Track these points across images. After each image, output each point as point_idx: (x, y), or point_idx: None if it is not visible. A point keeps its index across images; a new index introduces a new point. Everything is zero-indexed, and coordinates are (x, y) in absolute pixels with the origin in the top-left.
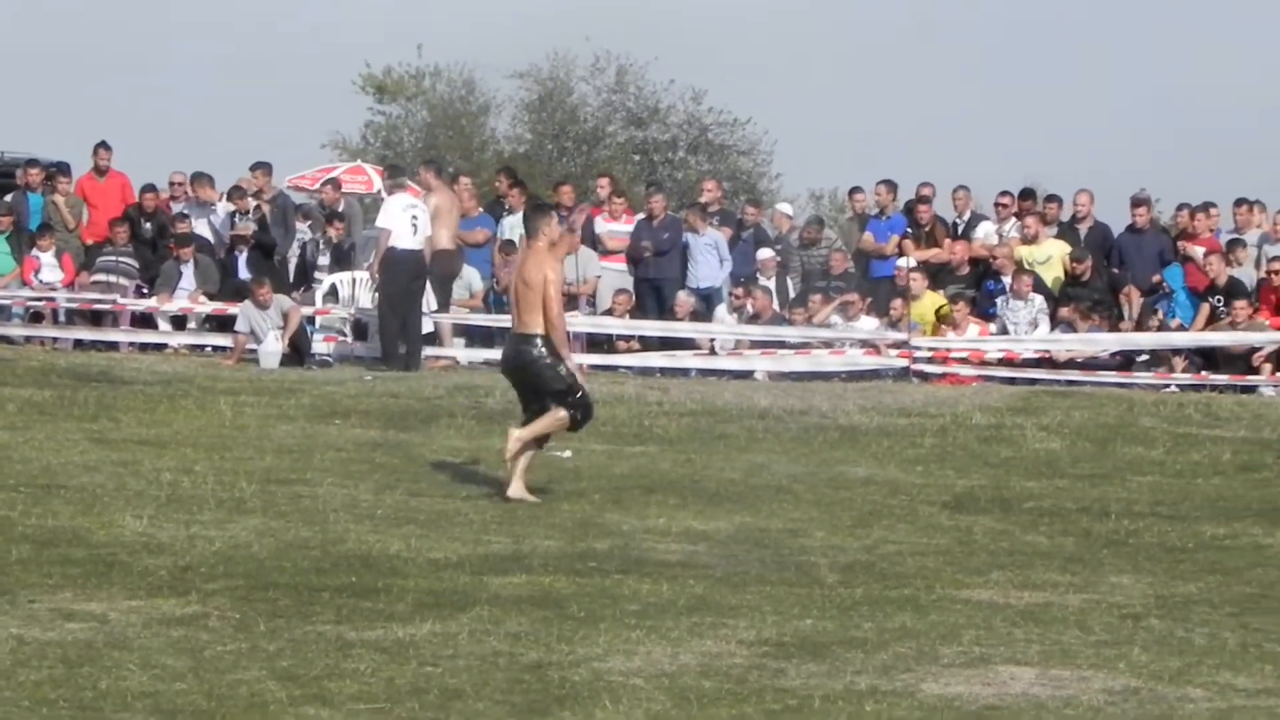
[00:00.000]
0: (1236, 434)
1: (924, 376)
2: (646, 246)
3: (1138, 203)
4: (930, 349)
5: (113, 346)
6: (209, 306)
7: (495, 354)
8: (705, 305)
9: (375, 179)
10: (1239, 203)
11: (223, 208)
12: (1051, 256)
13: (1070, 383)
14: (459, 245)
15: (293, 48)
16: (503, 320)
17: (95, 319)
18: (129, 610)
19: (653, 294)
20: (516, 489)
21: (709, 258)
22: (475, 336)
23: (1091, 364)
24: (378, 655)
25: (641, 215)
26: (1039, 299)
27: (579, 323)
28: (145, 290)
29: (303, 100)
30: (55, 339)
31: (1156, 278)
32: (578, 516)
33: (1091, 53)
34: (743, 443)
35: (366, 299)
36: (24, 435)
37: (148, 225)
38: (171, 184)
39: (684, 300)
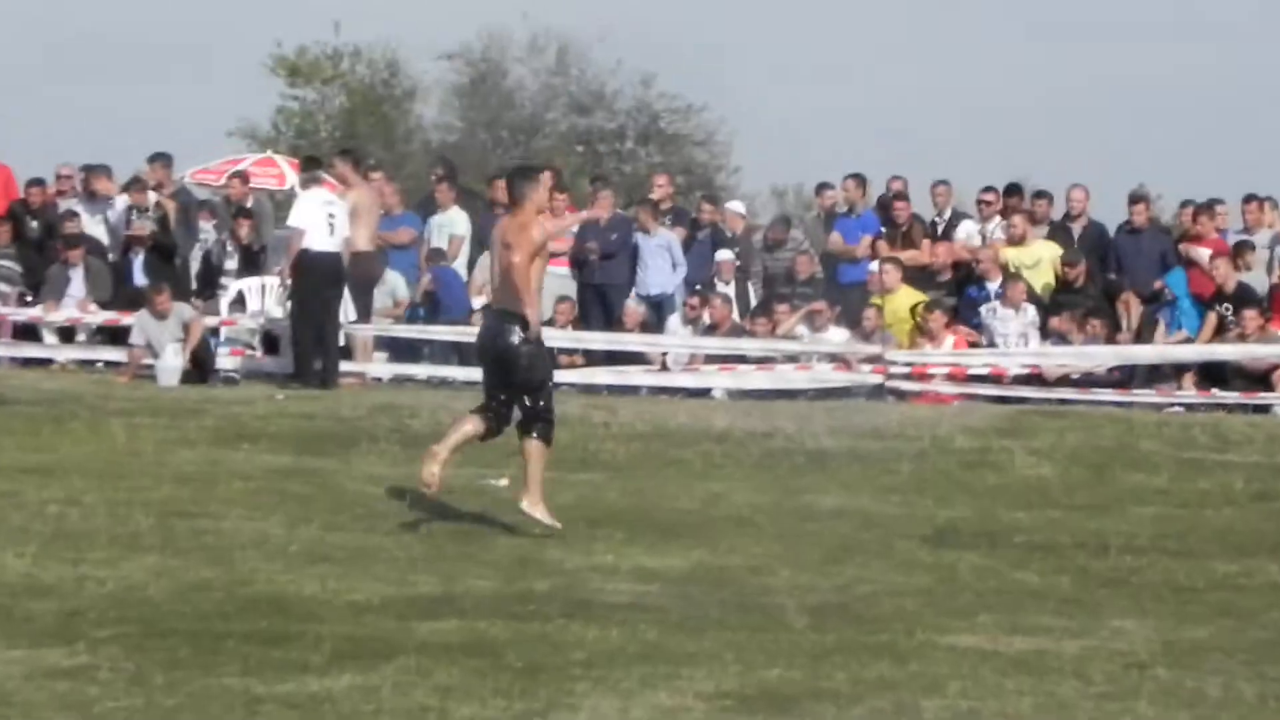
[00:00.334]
0: (1249, 459)
1: (900, 395)
2: (592, 249)
3: (1136, 199)
4: (907, 363)
5: None
6: (100, 316)
7: (422, 370)
8: (656, 314)
9: (288, 172)
10: (1248, 199)
11: (118, 204)
12: (1041, 260)
13: (1063, 401)
14: (380, 247)
15: (196, 25)
16: (431, 332)
17: None
18: (9, 661)
19: (598, 302)
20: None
21: (661, 261)
22: (399, 350)
23: (1087, 380)
24: (289, 711)
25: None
26: (1031, 309)
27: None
28: (29, 298)
29: (207, 84)
30: None
31: (1158, 283)
32: (515, 553)
33: (1085, 33)
34: (699, 469)
35: (277, 308)
36: None
37: (34, 224)
38: (59, 177)
39: (633, 309)
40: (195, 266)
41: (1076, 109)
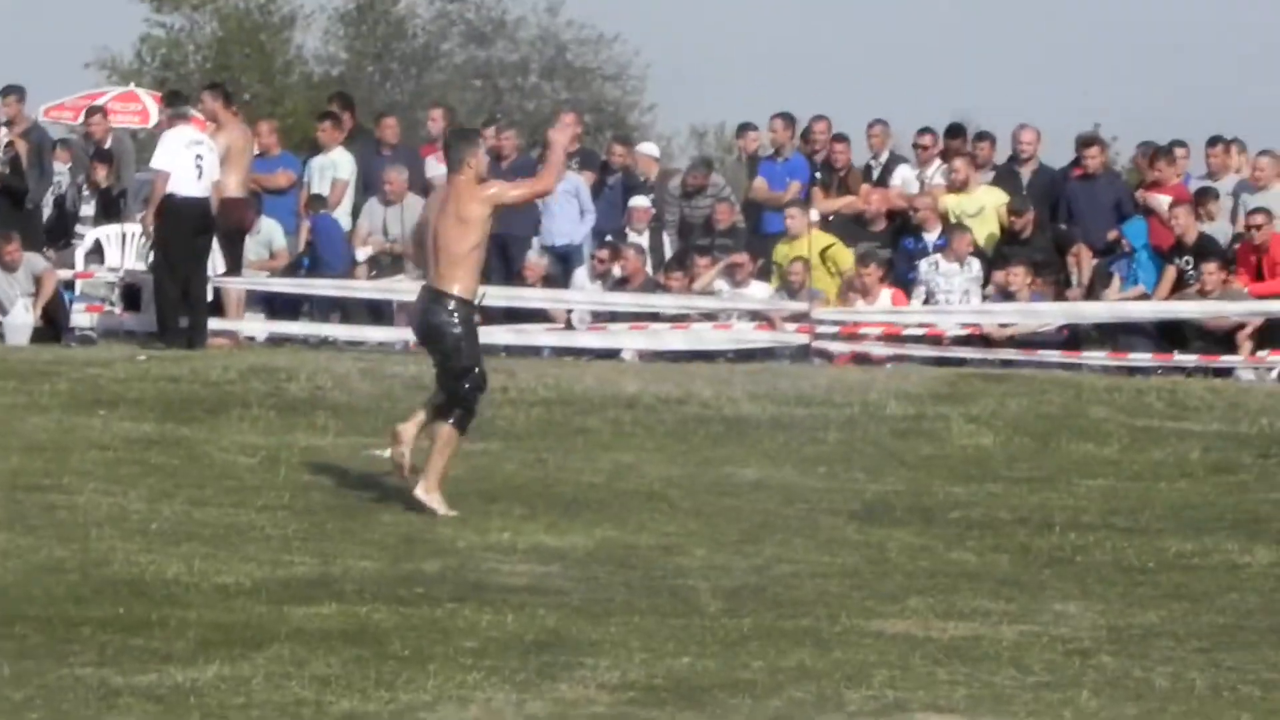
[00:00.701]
0: (1208, 427)
1: (828, 356)
2: None
3: (1088, 142)
4: (835, 322)
5: None
6: None
7: (299, 328)
8: (562, 268)
9: (152, 108)
10: (1213, 142)
11: None
12: (984, 208)
13: (1006, 364)
14: (254, 192)
15: None
16: (310, 286)
17: None
18: None
19: (497, 253)
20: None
21: (567, 208)
22: (277, 306)
23: (1032, 341)
24: (151, 705)
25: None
26: (975, 263)
27: (403, 288)
28: None
29: (64, 9)
30: None
31: (1113, 234)
32: (401, 531)
33: None
34: (606, 439)
35: (139, 259)
36: None
37: None
38: None
39: (535, 262)
40: (47, 212)
41: (1022, 43)
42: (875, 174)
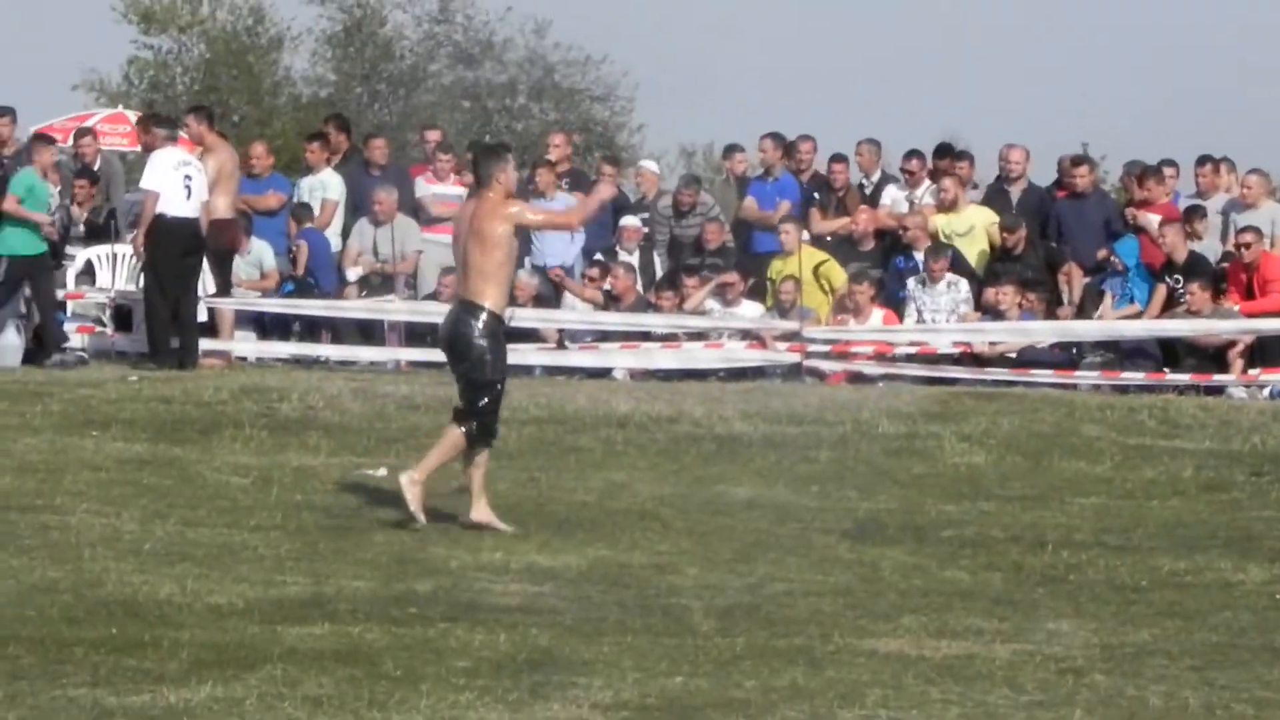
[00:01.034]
0: (1200, 445)
1: (820, 375)
2: None
3: (1078, 162)
4: (827, 341)
5: None
6: None
7: (291, 348)
8: (553, 288)
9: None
10: (1202, 161)
11: None
12: (974, 227)
13: (998, 383)
14: (246, 213)
15: None
16: (301, 306)
17: None
18: None
19: None
20: (480, 512)
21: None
22: (268, 327)
23: (1024, 359)
24: None
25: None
26: (963, 283)
27: (393, 308)
28: None
29: (51, 32)
30: None
31: (1103, 253)
32: (395, 550)
33: None
34: (598, 458)
35: (130, 280)
36: None
37: None
38: None
39: (527, 281)
40: None
41: (1011, 64)
42: (868, 193)
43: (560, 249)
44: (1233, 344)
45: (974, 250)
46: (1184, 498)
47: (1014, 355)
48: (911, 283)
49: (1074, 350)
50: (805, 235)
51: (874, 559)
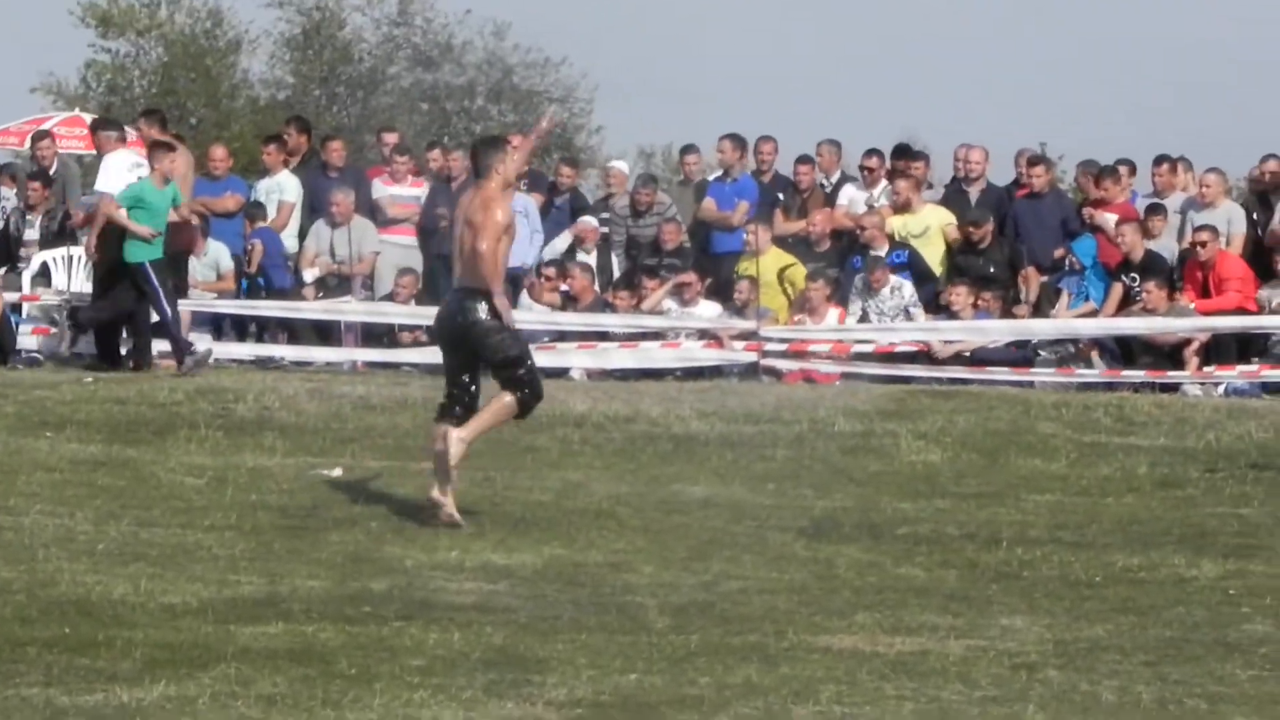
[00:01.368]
0: (1155, 442)
1: (776, 374)
2: (443, 215)
3: (1035, 162)
4: (784, 340)
5: None
6: None
7: (247, 349)
8: (513, 288)
9: None
10: (1159, 161)
11: None
12: (930, 228)
13: (954, 381)
14: (203, 215)
15: None
16: (257, 308)
17: None
18: None
19: (447, 274)
20: (448, 509)
21: (518, 229)
22: (225, 327)
23: (980, 357)
24: None
25: (430, 179)
26: (907, 286)
27: (350, 309)
28: None
29: (9, 35)
30: None
31: (1059, 252)
32: (349, 549)
33: None
34: (554, 457)
35: (85, 282)
36: None
37: None
38: None
39: None
40: None
41: (967, 64)
42: (828, 193)
43: (520, 250)
44: (1188, 342)
45: (929, 251)
46: (1139, 494)
47: (969, 354)
48: (856, 281)
49: (1032, 348)
50: (762, 235)
51: (829, 556)
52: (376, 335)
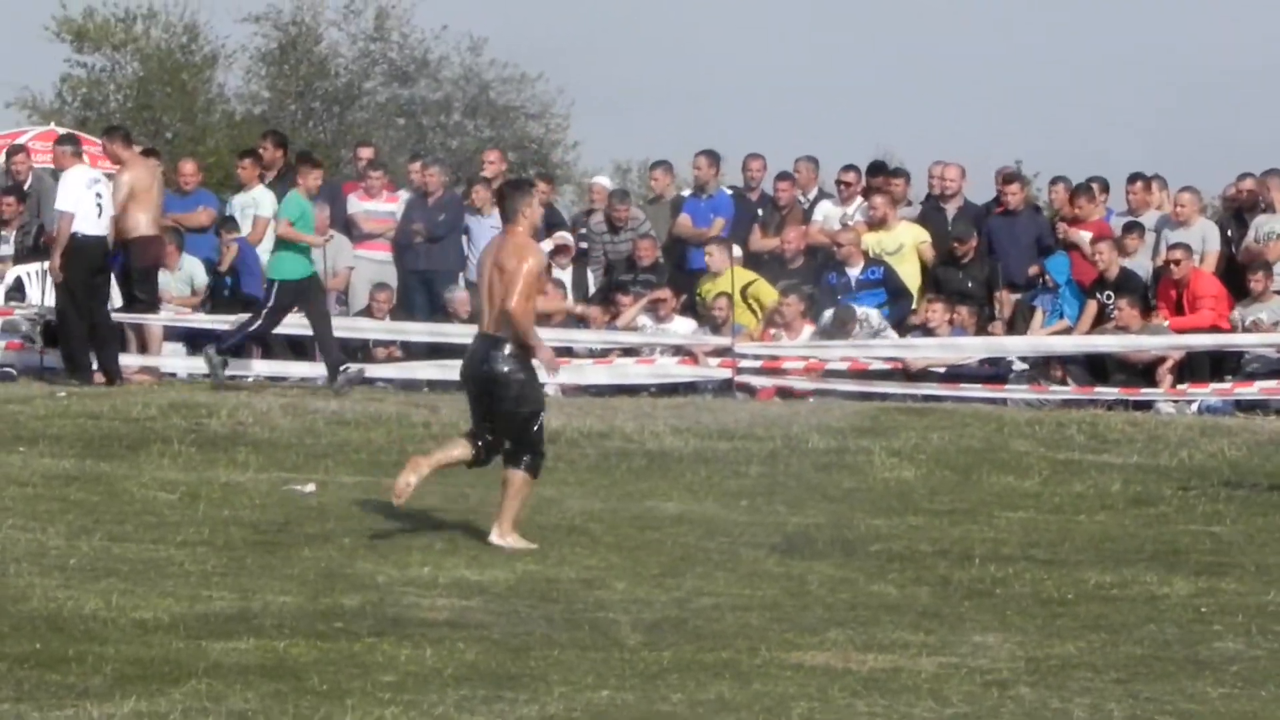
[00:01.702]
0: (1128, 460)
1: (750, 390)
2: (418, 230)
3: (1009, 179)
4: (758, 356)
5: None
6: None
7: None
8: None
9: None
10: (1133, 179)
11: None
12: (904, 245)
13: (928, 398)
14: (174, 229)
15: None
16: (225, 321)
17: None
18: None
19: (422, 289)
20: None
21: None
22: (199, 342)
23: (954, 374)
24: None
25: (409, 192)
26: (874, 315)
27: None
28: None
29: None
30: None
31: (1034, 269)
32: (321, 566)
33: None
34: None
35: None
36: None
37: None
38: None
39: (460, 297)
40: None
41: (941, 83)
42: (805, 210)
43: None
44: (1162, 360)
45: (905, 267)
46: (1111, 512)
47: (943, 370)
48: (826, 322)
49: (1006, 365)
50: (738, 253)
51: (802, 573)
52: (350, 350)
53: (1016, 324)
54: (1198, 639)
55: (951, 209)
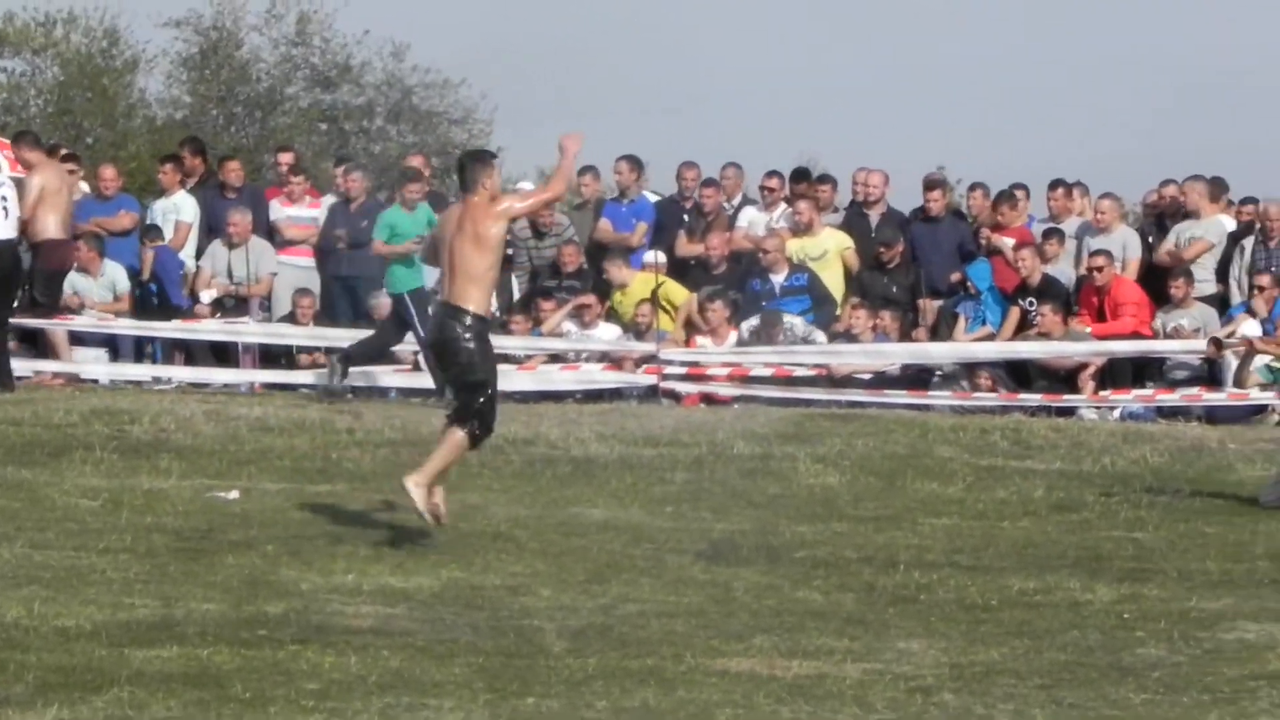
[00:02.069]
0: (1051, 466)
1: (675, 397)
2: (340, 236)
3: (931, 185)
4: (684, 363)
5: None
6: None
7: (143, 370)
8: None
9: None
10: (1054, 185)
11: None
12: (827, 251)
13: (853, 404)
14: (98, 234)
15: None
16: (154, 329)
17: None
18: None
19: (346, 295)
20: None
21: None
22: (121, 349)
23: (879, 381)
24: None
25: (333, 198)
26: (799, 323)
27: (249, 331)
28: None
29: None
30: None
31: (956, 275)
32: (245, 573)
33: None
34: (453, 480)
35: None
36: None
37: None
38: None
39: (385, 304)
40: None
41: (864, 90)
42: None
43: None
44: (1084, 366)
45: (828, 274)
46: (1035, 518)
47: (867, 377)
48: (752, 329)
49: (935, 373)
50: (661, 258)
51: (727, 580)
52: (274, 356)
53: (940, 331)
54: (1120, 645)
55: (875, 215)
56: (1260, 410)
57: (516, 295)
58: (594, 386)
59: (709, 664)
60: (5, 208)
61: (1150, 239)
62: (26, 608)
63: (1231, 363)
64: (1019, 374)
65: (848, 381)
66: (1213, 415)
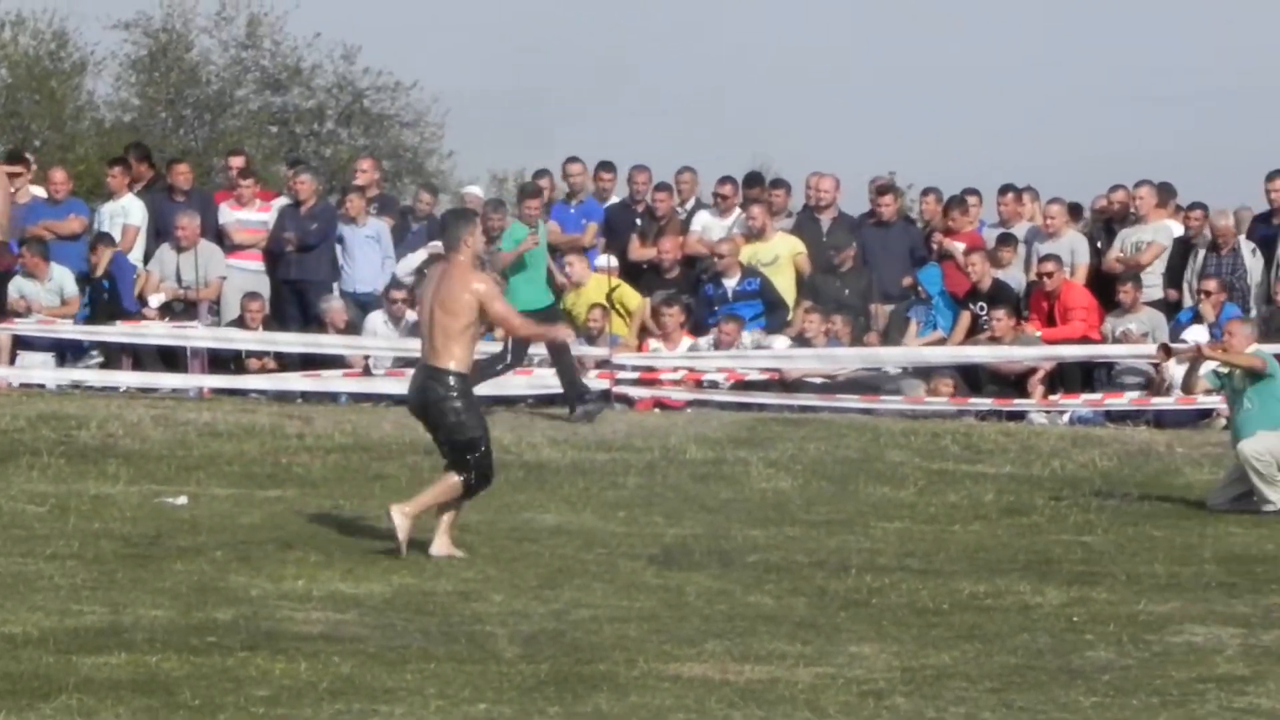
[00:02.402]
0: (1001, 470)
1: (628, 401)
2: (289, 239)
3: (883, 190)
4: (636, 368)
5: None
6: None
7: (91, 375)
8: (363, 313)
9: None
10: (1004, 190)
11: None
12: (779, 256)
13: (805, 409)
14: (42, 239)
15: None
16: (102, 333)
17: None
18: None
19: (295, 299)
20: (441, 545)
21: (370, 255)
22: (68, 353)
23: (832, 385)
24: None
25: (284, 200)
26: (748, 338)
27: (198, 336)
28: None
29: None
30: None
31: (908, 280)
32: (194, 579)
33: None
34: (404, 485)
35: None
36: None
37: None
38: None
39: (335, 308)
40: None
41: (816, 93)
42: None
43: (371, 276)
44: (1034, 370)
45: (780, 279)
46: (985, 522)
47: (820, 381)
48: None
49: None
50: (613, 262)
51: (680, 584)
52: (223, 361)
53: (891, 335)
54: (1070, 648)
55: (826, 220)
56: (1207, 415)
57: None
58: (547, 391)
59: (661, 669)
60: None
61: (1099, 244)
62: None
63: (1179, 369)
64: (970, 378)
65: (798, 386)
66: (1160, 420)
